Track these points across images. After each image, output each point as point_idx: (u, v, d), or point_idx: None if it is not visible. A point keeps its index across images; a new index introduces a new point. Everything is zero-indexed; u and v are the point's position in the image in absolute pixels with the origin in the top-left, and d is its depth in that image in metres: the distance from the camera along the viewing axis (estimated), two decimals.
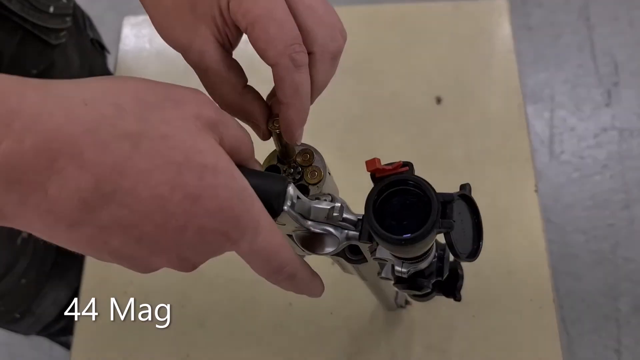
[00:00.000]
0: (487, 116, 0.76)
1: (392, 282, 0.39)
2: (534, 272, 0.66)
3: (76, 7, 0.78)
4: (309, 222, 0.33)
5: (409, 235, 0.28)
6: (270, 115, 0.37)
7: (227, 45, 0.36)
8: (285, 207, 0.31)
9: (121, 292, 0.69)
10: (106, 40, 0.94)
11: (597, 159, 1.50)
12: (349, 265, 0.42)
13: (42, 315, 0.85)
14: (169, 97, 0.28)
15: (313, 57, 0.35)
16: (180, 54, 0.37)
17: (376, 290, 0.54)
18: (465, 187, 0.32)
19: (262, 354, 0.66)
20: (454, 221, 0.29)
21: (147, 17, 0.95)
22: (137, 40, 0.89)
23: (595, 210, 1.44)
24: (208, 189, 0.27)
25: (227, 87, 0.35)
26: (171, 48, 0.37)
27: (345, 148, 0.75)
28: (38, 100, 0.24)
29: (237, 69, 0.36)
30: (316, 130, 0.66)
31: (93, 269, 0.71)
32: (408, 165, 0.30)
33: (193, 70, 0.37)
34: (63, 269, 0.84)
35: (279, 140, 0.37)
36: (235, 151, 0.30)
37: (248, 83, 0.37)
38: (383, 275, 0.41)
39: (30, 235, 0.72)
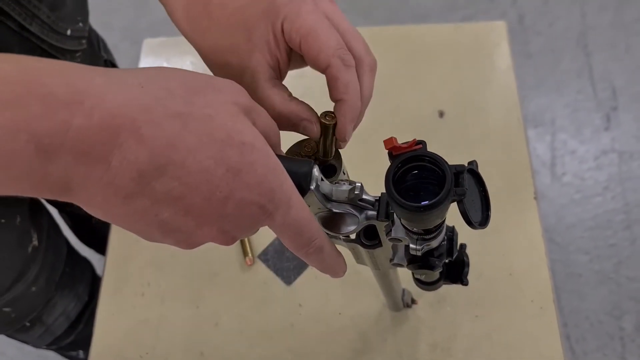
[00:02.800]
0: (488, 129, 0.80)
1: (405, 264, 0.42)
2: (535, 274, 0.69)
3: (91, 30, 0.82)
4: (331, 203, 0.37)
5: (427, 202, 0.31)
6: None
7: (276, 70, 0.41)
8: (312, 187, 0.35)
9: (139, 293, 0.72)
10: (122, 66, 0.99)
11: (598, 181, 1.53)
12: (363, 253, 0.45)
13: (51, 325, 0.87)
14: (209, 85, 0.32)
15: (356, 67, 0.40)
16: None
17: (385, 284, 0.57)
18: (472, 163, 0.36)
19: (273, 352, 0.68)
20: (467, 189, 0.32)
21: (164, 39, 0.99)
22: (155, 60, 0.94)
23: (597, 230, 1.47)
24: (247, 164, 0.30)
25: (277, 98, 0.40)
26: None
27: (353, 158, 0.78)
28: (102, 83, 0.28)
29: (282, 85, 0.41)
30: None
31: (112, 269, 0.74)
32: (422, 143, 0.34)
33: None
34: (72, 280, 0.86)
35: (324, 140, 0.40)
36: (265, 136, 0.34)
37: None
38: (395, 261, 0.44)
39: (40, 243, 0.75)
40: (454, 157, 0.83)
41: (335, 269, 0.39)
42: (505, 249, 0.71)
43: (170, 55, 0.94)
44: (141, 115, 0.28)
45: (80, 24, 0.67)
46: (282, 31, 0.39)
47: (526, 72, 1.70)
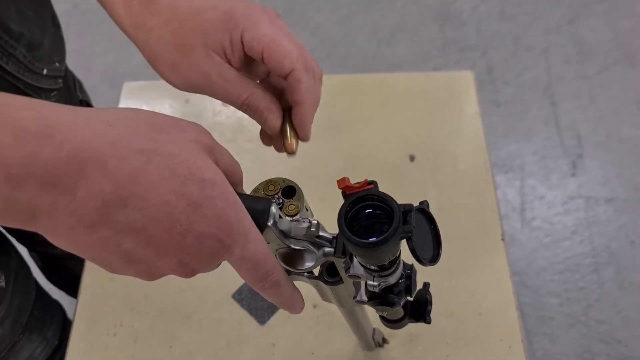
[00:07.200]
0: (457, 173, 0.83)
1: (366, 300, 0.44)
2: (503, 314, 0.71)
3: (67, 71, 0.84)
4: (290, 240, 0.38)
5: (374, 238, 0.33)
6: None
7: (235, 65, 0.44)
8: (269, 223, 0.36)
9: (111, 333, 0.72)
10: (99, 107, 1.00)
11: (567, 225, 1.57)
12: (327, 290, 0.47)
13: None
14: (174, 125, 0.34)
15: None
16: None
17: (353, 322, 0.58)
18: (423, 203, 0.38)
19: None
20: (414, 227, 0.34)
21: (144, 83, 1.01)
22: (134, 102, 0.96)
23: (567, 273, 1.50)
24: (207, 199, 0.32)
25: (245, 89, 0.44)
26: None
27: (328, 199, 0.80)
28: (72, 118, 0.29)
29: (243, 78, 0.45)
30: (301, 183, 0.72)
31: (84, 308, 0.74)
32: (373, 183, 0.36)
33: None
34: (41, 324, 0.85)
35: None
36: (227, 175, 0.35)
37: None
38: (358, 298, 0.46)
39: (7, 284, 0.74)
40: (425, 198, 0.85)
41: (293, 304, 0.41)
42: (475, 289, 0.73)
43: (150, 98, 0.96)
44: (107, 149, 0.29)
45: (57, 64, 0.68)
46: (241, 41, 0.43)
47: (496, 120, 1.76)
